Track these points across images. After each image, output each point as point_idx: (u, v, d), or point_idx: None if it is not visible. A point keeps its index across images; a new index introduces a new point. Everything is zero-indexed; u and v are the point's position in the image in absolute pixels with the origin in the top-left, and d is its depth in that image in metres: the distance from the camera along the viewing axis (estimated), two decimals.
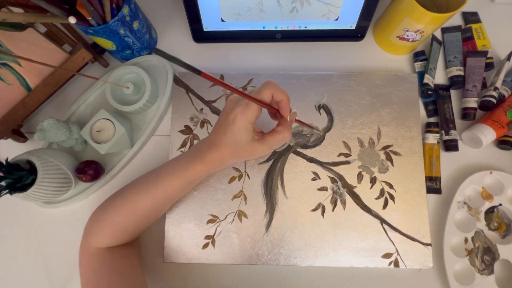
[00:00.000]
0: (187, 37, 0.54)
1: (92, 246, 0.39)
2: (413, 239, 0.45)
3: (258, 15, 0.47)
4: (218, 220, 0.46)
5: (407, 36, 0.47)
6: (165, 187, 0.38)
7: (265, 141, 0.34)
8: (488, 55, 0.50)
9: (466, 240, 0.45)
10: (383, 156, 0.48)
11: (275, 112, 0.35)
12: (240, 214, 0.46)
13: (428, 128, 0.49)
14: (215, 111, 0.50)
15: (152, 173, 0.41)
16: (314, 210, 0.46)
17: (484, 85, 0.50)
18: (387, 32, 0.50)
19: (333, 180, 0.47)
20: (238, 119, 0.32)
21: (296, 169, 0.47)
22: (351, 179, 0.47)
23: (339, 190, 0.47)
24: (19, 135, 0.49)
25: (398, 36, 0.48)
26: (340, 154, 0.48)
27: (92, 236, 0.40)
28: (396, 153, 0.48)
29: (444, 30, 0.54)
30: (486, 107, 0.48)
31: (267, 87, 0.32)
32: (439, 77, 0.52)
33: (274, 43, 0.53)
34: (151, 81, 0.47)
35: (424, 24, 0.44)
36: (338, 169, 0.47)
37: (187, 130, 0.49)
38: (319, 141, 0.48)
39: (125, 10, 0.42)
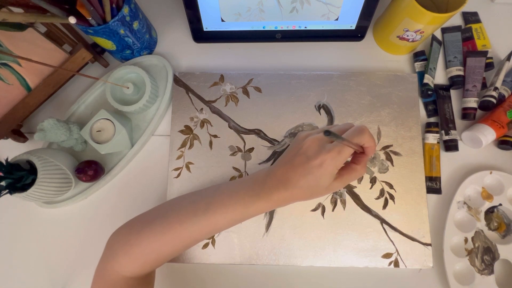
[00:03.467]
0: (187, 37, 0.54)
1: (114, 272, 0.35)
2: (413, 239, 0.45)
3: (258, 15, 0.47)
4: None
5: (407, 36, 0.47)
6: (216, 220, 0.35)
7: (342, 179, 0.33)
8: (488, 55, 0.50)
9: (466, 240, 0.45)
10: (383, 156, 0.48)
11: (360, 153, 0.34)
12: None
13: (428, 128, 0.49)
14: (215, 111, 0.49)
15: (200, 200, 0.36)
16: (314, 210, 0.46)
17: (484, 85, 0.50)
18: (387, 32, 0.50)
19: None
20: (327, 166, 0.30)
21: None
22: None
23: (339, 190, 0.47)
24: (19, 135, 0.49)
25: (398, 36, 0.48)
26: None
27: (117, 261, 0.35)
28: (396, 153, 0.48)
29: (444, 30, 0.54)
30: (486, 107, 0.48)
31: (364, 135, 0.31)
32: (439, 77, 0.52)
33: (274, 43, 0.53)
34: (151, 81, 0.47)
35: (424, 24, 0.44)
36: None
37: (187, 130, 0.49)
38: None
39: (125, 10, 0.42)
